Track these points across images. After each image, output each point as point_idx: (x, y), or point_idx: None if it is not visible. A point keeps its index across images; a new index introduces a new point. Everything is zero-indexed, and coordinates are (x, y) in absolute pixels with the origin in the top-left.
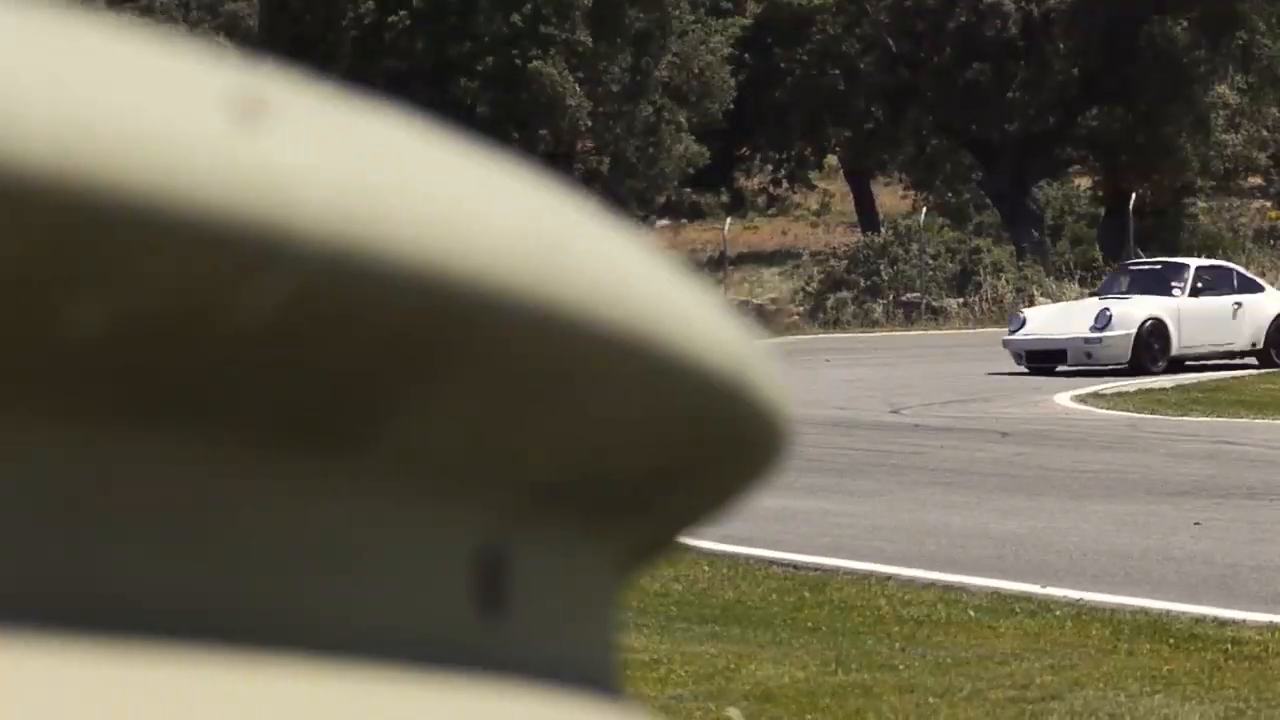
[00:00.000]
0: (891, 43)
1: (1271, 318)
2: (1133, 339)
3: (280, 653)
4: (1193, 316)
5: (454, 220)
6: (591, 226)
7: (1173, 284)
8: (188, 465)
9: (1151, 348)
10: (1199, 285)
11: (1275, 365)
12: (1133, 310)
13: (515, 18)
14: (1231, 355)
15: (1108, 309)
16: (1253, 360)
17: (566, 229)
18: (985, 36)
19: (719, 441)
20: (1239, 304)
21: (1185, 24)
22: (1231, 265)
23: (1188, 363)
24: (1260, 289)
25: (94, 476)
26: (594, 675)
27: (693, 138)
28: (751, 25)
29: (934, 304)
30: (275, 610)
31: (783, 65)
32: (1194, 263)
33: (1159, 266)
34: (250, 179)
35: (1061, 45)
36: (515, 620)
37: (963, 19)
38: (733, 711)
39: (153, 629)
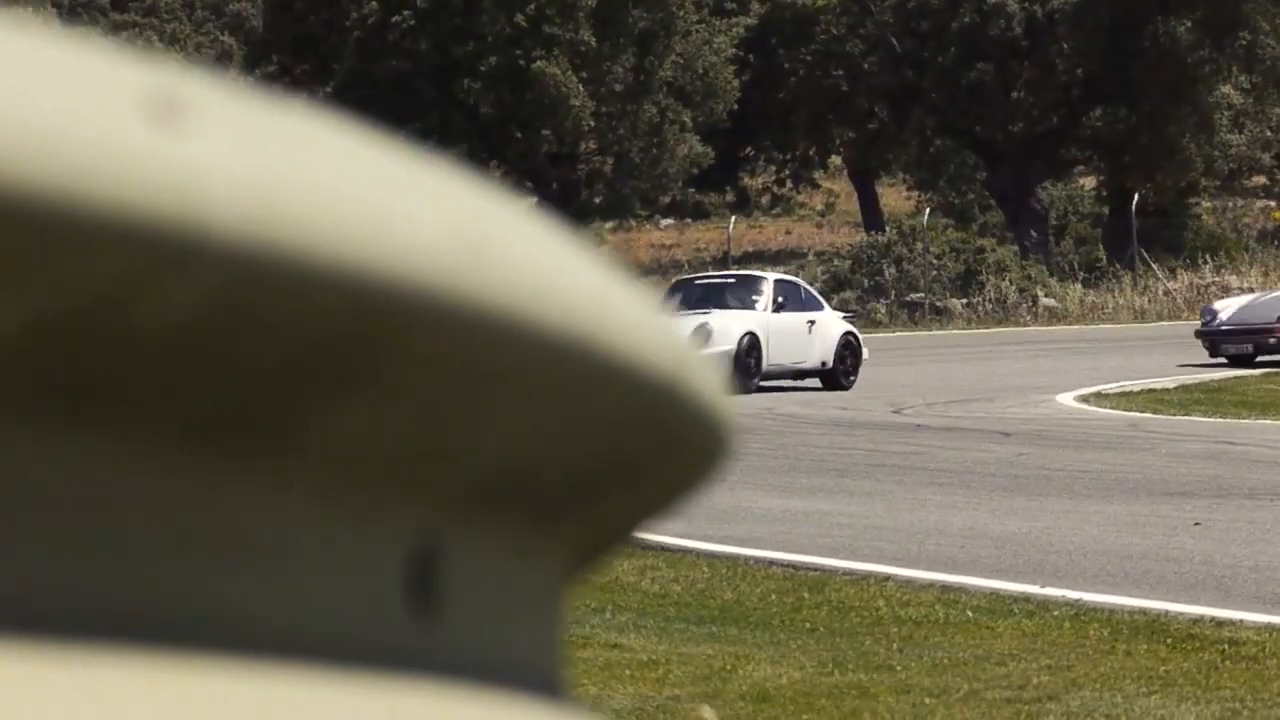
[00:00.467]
0: (895, 43)
1: (838, 337)
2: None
3: (207, 653)
4: (779, 332)
5: (377, 221)
6: (522, 229)
7: (754, 298)
8: (106, 465)
9: (749, 365)
10: (779, 301)
11: (842, 387)
12: (732, 325)
13: (519, 18)
14: (803, 375)
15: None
16: (817, 382)
17: (495, 231)
18: (989, 37)
19: (656, 443)
20: (812, 321)
21: (1189, 24)
22: (799, 281)
23: (766, 383)
24: (822, 307)
25: (9, 476)
26: (535, 676)
27: (697, 138)
28: (755, 25)
29: (937, 304)
30: (200, 611)
31: (786, 65)
32: (772, 276)
33: (733, 280)
34: (167, 179)
35: (1065, 45)
36: (450, 621)
37: (967, 19)
38: (706, 711)
39: (67, 630)
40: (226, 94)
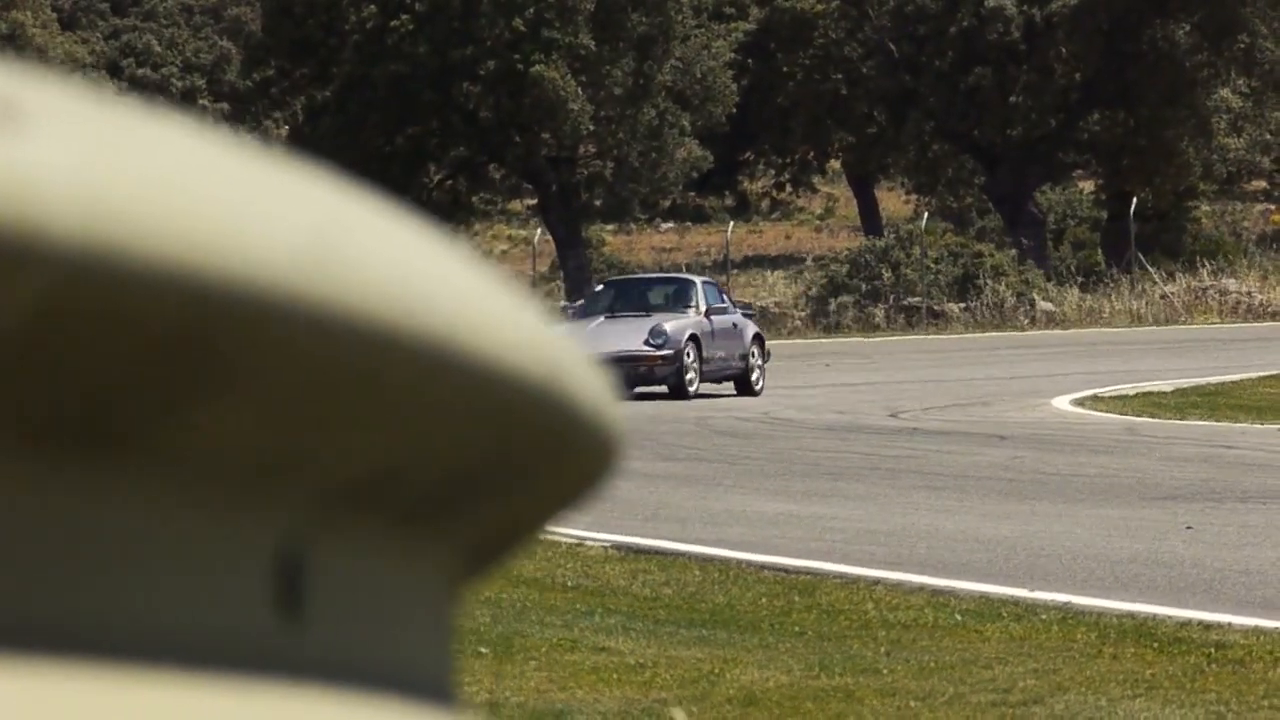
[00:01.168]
0: (893, 47)
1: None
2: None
3: (65, 658)
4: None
5: (220, 222)
6: (381, 229)
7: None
8: None
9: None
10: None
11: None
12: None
13: (517, 21)
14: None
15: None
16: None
17: (349, 232)
18: (987, 41)
19: (532, 445)
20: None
21: (1187, 28)
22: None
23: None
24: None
25: None
26: (418, 679)
27: (696, 142)
28: (754, 30)
29: (935, 308)
30: (57, 615)
31: (785, 69)
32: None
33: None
34: (2, 182)
35: (1063, 49)
36: (320, 623)
37: (965, 23)
38: (679, 714)
39: None
40: (67, 97)
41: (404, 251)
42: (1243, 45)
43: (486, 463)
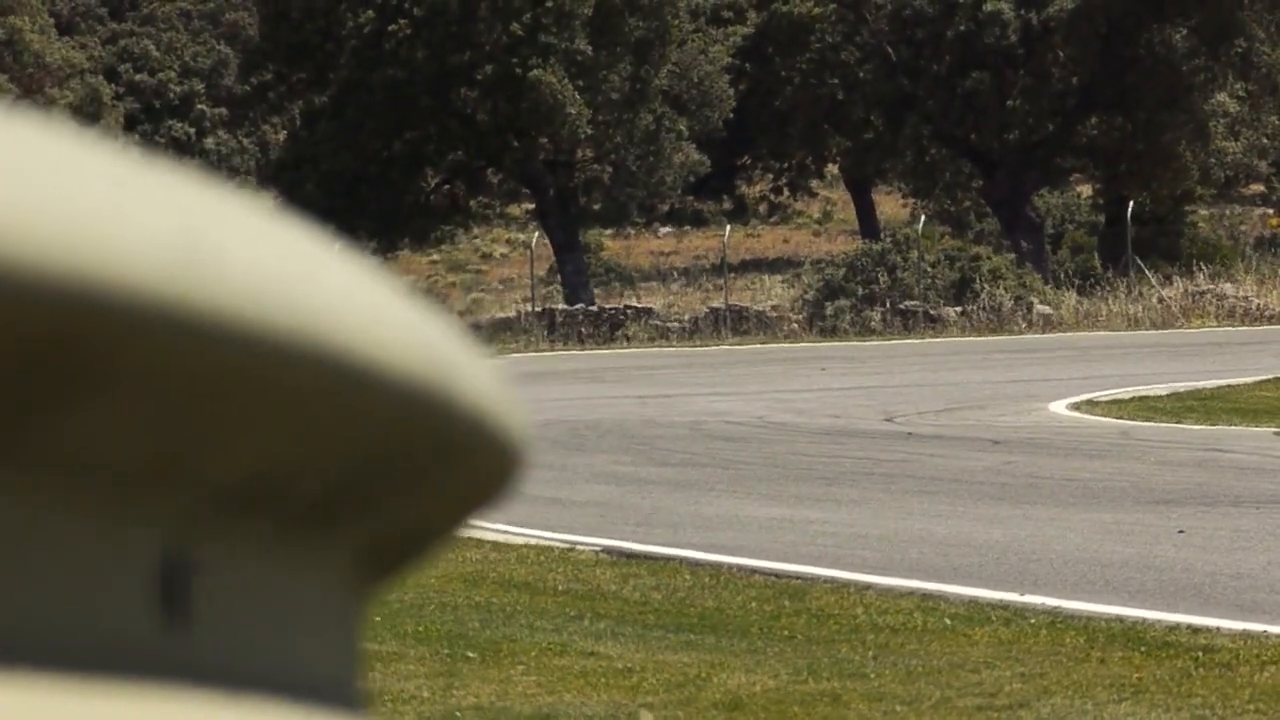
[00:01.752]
0: (891, 51)
1: None
2: None
3: None
4: None
5: (82, 224)
6: (254, 231)
7: None
8: None
9: None
10: None
11: None
12: None
13: (515, 26)
14: None
15: None
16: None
17: (220, 234)
18: (985, 45)
19: (422, 449)
20: None
21: (1184, 32)
22: None
23: None
24: None
25: None
26: (315, 683)
27: (693, 146)
28: (752, 34)
29: (932, 312)
30: None
31: (783, 74)
32: None
33: None
34: None
35: (1061, 53)
36: (205, 627)
37: (962, 28)
38: (644, 715)
39: None
40: None
41: (280, 253)
42: (1239, 49)
43: (376, 465)
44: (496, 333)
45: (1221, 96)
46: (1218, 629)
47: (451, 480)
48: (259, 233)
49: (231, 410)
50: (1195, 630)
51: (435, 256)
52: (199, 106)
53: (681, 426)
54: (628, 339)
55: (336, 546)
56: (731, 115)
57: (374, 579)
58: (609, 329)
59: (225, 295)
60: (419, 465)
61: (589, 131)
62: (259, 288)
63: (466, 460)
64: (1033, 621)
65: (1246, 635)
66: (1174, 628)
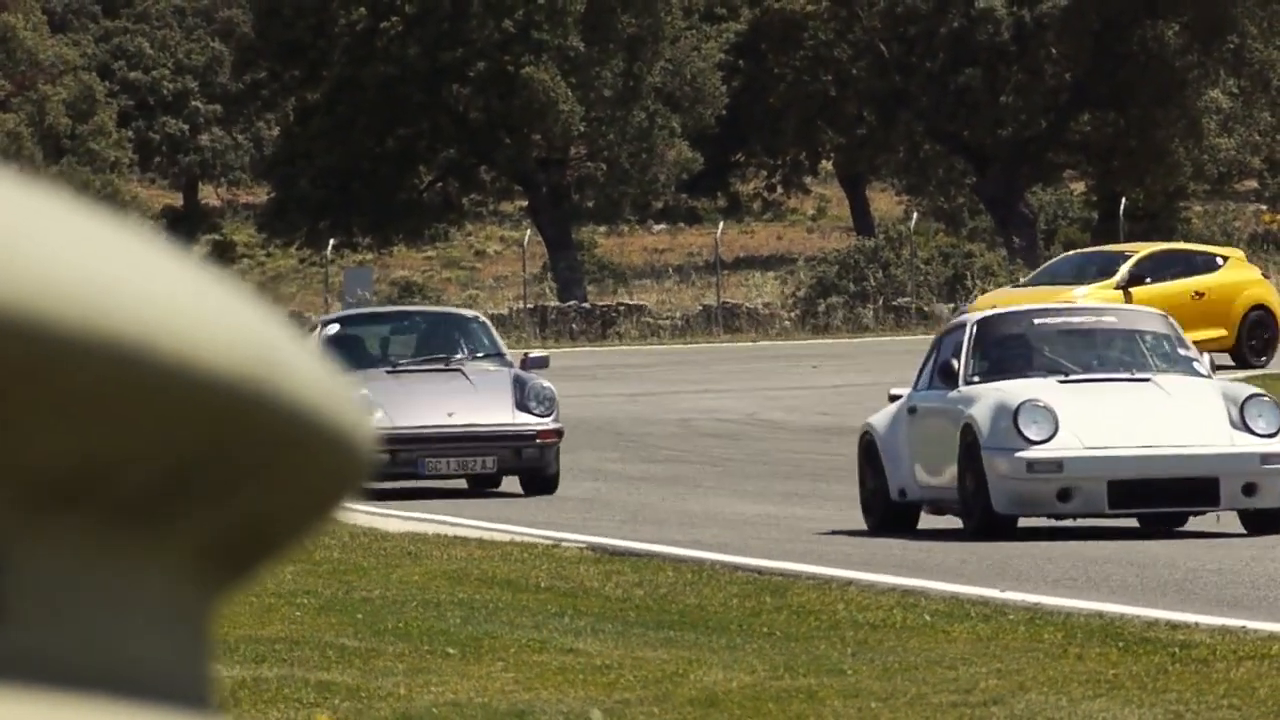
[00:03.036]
0: (884, 48)
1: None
2: None
3: None
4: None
5: None
6: (64, 226)
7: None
8: None
9: None
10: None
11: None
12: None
13: (507, 23)
14: None
15: None
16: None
17: (29, 230)
18: (977, 41)
19: (248, 446)
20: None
21: (1177, 28)
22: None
23: None
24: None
25: None
26: (146, 681)
27: (686, 143)
28: (745, 31)
29: (924, 309)
30: None
31: (776, 71)
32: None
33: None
34: None
35: (1053, 50)
36: (19, 624)
37: (955, 24)
38: (595, 714)
39: None
40: None
41: (87, 247)
42: (1232, 46)
43: (198, 462)
44: None
45: (1214, 93)
46: (1196, 624)
47: (288, 475)
48: (67, 226)
49: (38, 406)
50: (1174, 626)
51: (430, 253)
52: (193, 103)
53: (671, 424)
54: (620, 336)
55: (174, 542)
56: (724, 112)
57: (225, 575)
58: (601, 326)
59: (28, 290)
60: (249, 460)
61: (581, 129)
62: (65, 282)
63: (300, 455)
64: (1011, 618)
65: (1225, 630)
66: (1153, 623)
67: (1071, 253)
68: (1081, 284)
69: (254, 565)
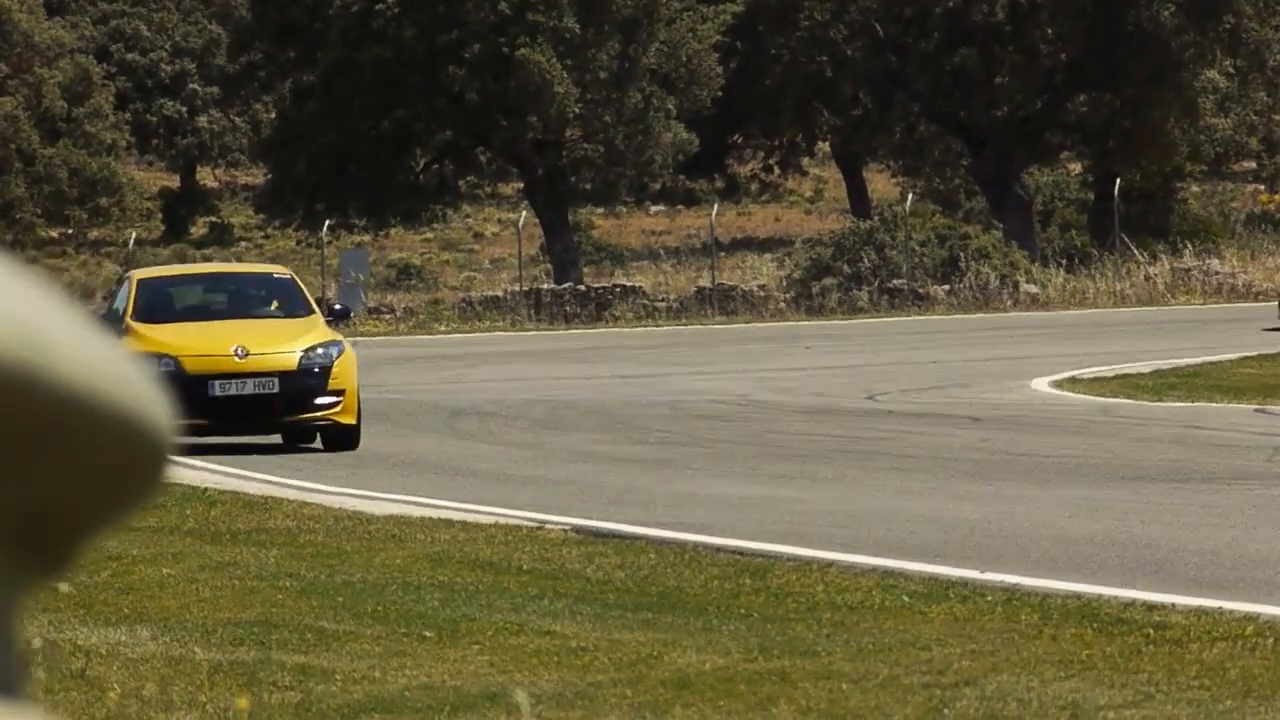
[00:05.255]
0: (879, 28)
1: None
2: None
3: None
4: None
5: None
6: None
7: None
8: None
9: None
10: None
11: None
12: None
13: (503, 5)
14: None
15: None
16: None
17: None
18: (972, 21)
19: (23, 431)
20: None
21: (1172, 8)
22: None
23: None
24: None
25: None
26: None
27: (682, 125)
28: (741, 12)
29: (919, 290)
30: None
31: (772, 52)
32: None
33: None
34: None
35: (1049, 30)
36: None
37: (950, 4)
38: (519, 695)
39: None
40: None
41: None
42: (1228, 25)
43: None
44: (485, 311)
45: (1210, 73)
46: (1173, 605)
47: (72, 460)
48: None
49: None
50: (1150, 607)
51: (429, 235)
52: (191, 85)
53: (662, 406)
54: (614, 318)
55: None
56: (721, 93)
57: (25, 569)
58: (596, 308)
59: None
60: (26, 446)
61: (577, 110)
62: None
63: (85, 442)
64: (989, 599)
65: (1201, 611)
66: (1129, 604)
67: None
68: None
69: (57, 557)
